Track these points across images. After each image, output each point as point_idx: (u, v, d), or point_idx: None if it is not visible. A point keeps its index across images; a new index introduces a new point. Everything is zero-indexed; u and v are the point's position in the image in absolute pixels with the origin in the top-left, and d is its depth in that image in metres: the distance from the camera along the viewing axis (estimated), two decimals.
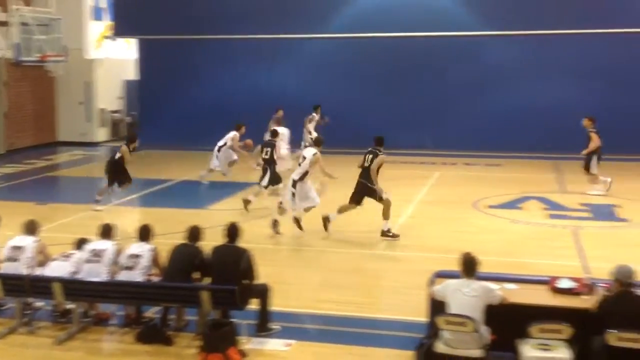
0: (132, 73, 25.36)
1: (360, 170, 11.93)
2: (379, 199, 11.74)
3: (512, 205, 14.49)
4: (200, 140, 19.78)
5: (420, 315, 7.46)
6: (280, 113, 18.23)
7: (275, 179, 14.06)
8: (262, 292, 7.74)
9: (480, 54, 21.42)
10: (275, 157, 14.19)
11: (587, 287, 6.95)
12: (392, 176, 17.39)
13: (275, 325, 7.84)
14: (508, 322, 6.56)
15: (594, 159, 15.06)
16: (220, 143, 16.60)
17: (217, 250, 7.77)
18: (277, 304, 7.93)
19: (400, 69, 21.75)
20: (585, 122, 15.25)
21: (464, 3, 21.08)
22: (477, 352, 6.39)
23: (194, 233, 7.99)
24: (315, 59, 22.70)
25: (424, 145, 20.74)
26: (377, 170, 11.75)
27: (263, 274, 7.89)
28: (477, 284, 6.61)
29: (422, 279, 7.65)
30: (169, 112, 23.71)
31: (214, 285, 7.55)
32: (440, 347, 6.51)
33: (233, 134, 16.52)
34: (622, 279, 6.30)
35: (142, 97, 24.53)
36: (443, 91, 21.48)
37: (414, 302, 7.99)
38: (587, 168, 15.17)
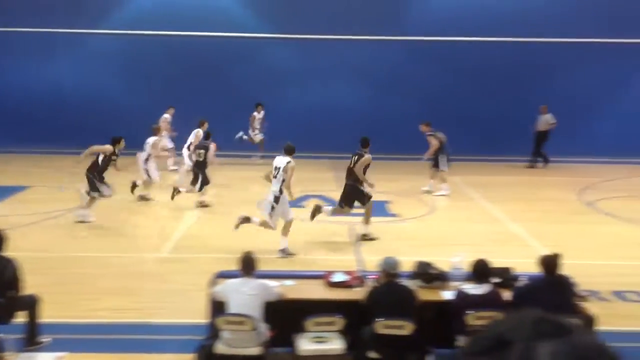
0: None
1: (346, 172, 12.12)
2: (364, 203, 11.89)
3: (294, 203, 14.90)
4: None
5: (202, 317, 7.41)
6: (172, 111, 17.93)
7: (207, 181, 14.27)
8: (30, 304, 7.23)
9: (261, 55, 21.78)
10: (207, 160, 14.24)
11: (358, 280, 7.36)
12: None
13: (45, 338, 7.36)
14: (287, 318, 6.74)
15: (442, 159, 15.77)
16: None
17: None
18: (49, 315, 7.45)
19: (184, 68, 21.48)
20: (423, 128, 15.98)
21: (247, 4, 21.36)
22: (255, 350, 6.49)
23: None
24: (95, 55, 21.72)
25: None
26: (365, 171, 11.83)
27: (33, 284, 7.37)
28: (255, 282, 6.71)
29: (205, 280, 7.62)
30: None
31: None
32: (219, 348, 6.52)
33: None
34: (388, 270, 6.74)
35: None
36: (226, 91, 21.49)
37: (197, 304, 7.93)
38: (436, 166, 15.88)
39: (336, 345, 6.54)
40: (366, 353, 6.58)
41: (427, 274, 7.51)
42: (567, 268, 7.75)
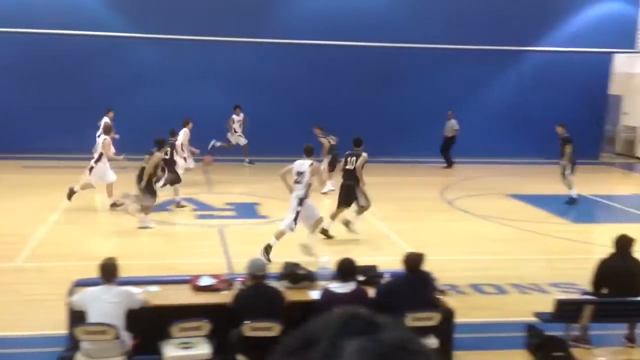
0: None
1: (342, 173, 12.35)
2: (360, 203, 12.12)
3: (161, 207, 14.59)
4: None
5: (61, 328, 7.06)
6: (111, 114, 16.90)
7: (176, 179, 14.37)
8: None
9: (125, 55, 21.11)
10: (175, 157, 14.46)
11: (225, 283, 7.29)
12: (36, 182, 16.48)
13: None
14: (152, 325, 6.56)
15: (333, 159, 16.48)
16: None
17: None
18: None
19: (40, 67, 20.41)
20: (316, 131, 16.74)
21: (111, 4, 20.65)
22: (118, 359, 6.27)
23: None
24: None
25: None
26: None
27: None
28: (117, 289, 6.48)
29: (64, 289, 7.26)
30: None
31: None
32: (80, 359, 6.24)
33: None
34: (255, 271, 6.72)
35: None
36: (84, 92, 20.53)
37: (55, 315, 7.54)
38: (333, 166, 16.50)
39: (202, 350, 6.45)
40: (234, 356, 6.53)
41: (295, 275, 7.57)
42: (429, 264, 8.07)
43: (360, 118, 20.06)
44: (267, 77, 21.27)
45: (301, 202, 10.74)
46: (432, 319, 6.95)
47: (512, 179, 19.05)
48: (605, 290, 7.96)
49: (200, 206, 14.91)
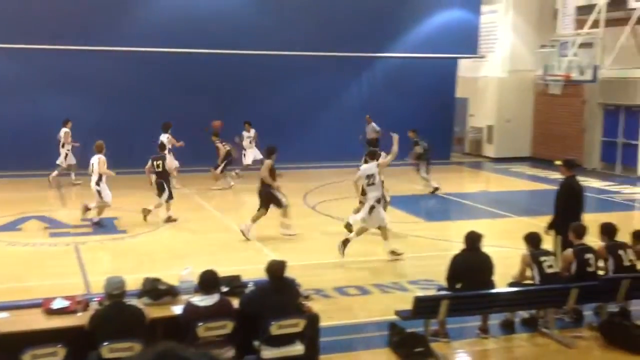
0: None
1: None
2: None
3: (10, 227, 13.73)
4: None
5: None
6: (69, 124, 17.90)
7: (171, 194, 14.35)
8: None
9: None
10: (167, 169, 14.32)
11: (81, 304, 6.93)
12: None
13: None
14: (3, 355, 6.13)
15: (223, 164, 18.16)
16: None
17: None
18: None
19: None
20: (213, 138, 18.27)
21: None
22: None
23: None
24: None
25: None
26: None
27: None
28: None
29: None
30: None
31: None
32: None
33: None
34: (110, 290, 6.45)
35: None
36: None
37: None
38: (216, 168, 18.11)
39: None
40: None
41: (156, 290, 7.33)
42: (294, 269, 8.11)
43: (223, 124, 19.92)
44: (120, 85, 20.64)
45: (378, 200, 11.66)
46: (297, 325, 6.99)
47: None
48: (459, 285, 8.35)
49: (54, 223, 14.16)
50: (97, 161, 13.74)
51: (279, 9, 21.88)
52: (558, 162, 10.87)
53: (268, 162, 13.10)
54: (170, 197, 14.35)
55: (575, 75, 21.59)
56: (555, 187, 11.09)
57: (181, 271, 7.93)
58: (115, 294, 6.42)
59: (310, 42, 21.75)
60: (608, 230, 9.04)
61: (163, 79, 21.16)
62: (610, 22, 21.21)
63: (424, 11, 23.81)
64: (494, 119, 25.64)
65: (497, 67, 25.51)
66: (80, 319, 6.67)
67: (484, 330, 8.46)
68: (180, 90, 21.23)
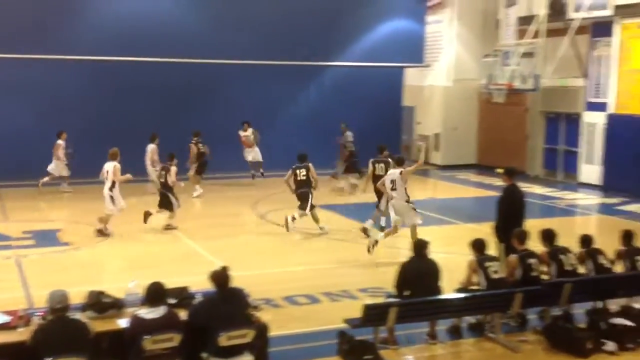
0: None
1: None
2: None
3: None
4: None
5: None
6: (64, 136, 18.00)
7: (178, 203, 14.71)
8: None
9: None
10: (169, 181, 14.48)
11: (22, 319, 6.73)
12: None
13: None
14: None
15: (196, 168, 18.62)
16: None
17: None
18: None
19: None
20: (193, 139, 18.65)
21: None
22: None
23: None
24: None
25: None
26: None
27: None
28: None
29: None
30: None
31: None
32: None
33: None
34: (53, 304, 6.29)
35: None
36: None
37: None
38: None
39: None
40: None
41: (101, 303, 7.18)
42: (243, 279, 8.04)
43: (166, 134, 19.69)
44: (61, 93, 20.28)
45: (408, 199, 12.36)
46: (246, 335, 6.93)
47: (321, 190, 19.58)
48: (407, 292, 8.42)
49: None
50: (112, 168, 13.63)
51: (228, 18, 21.82)
52: (499, 171, 11.13)
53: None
54: (178, 206, 14.64)
55: (517, 84, 22.11)
56: (499, 194, 11.31)
57: (127, 284, 7.80)
58: (58, 307, 6.26)
59: (260, 51, 21.76)
60: (548, 236, 9.27)
61: (108, 88, 20.82)
62: (550, 33, 21.80)
63: (371, 21, 24.07)
64: (440, 127, 26.03)
65: (443, 76, 25.96)
66: (21, 335, 6.47)
67: (432, 336, 8.55)
68: (126, 99, 20.93)
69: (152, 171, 17.74)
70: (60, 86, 20.35)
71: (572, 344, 8.17)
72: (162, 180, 14.69)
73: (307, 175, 14.33)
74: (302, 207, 14.21)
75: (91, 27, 20.31)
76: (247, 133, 20.34)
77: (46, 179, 18.12)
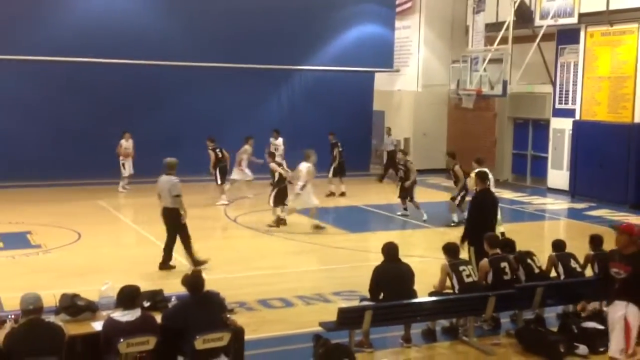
0: None
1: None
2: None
3: None
4: None
5: None
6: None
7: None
8: None
9: None
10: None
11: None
12: None
13: None
14: None
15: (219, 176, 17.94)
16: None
17: None
18: None
19: None
20: (208, 142, 18.09)
21: None
22: None
23: None
24: None
25: None
26: None
27: None
28: None
29: None
30: None
31: None
32: None
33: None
34: (25, 307, 6.19)
35: None
36: None
37: None
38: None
39: None
40: None
41: (74, 306, 7.08)
42: (216, 282, 8.01)
43: (134, 136, 19.54)
44: (18, 96, 19.98)
45: None
46: (222, 339, 6.89)
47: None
48: (381, 295, 8.46)
49: None
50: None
51: (195, 20, 21.70)
52: (471, 175, 11.24)
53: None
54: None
55: (486, 90, 22.34)
56: (468, 198, 11.42)
57: (100, 286, 7.71)
58: (30, 309, 6.16)
59: (228, 54, 21.67)
60: (508, 246, 9.43)
61: (66, 90, 20.53)
62: (518, 39, 22.09)
63: (341, 25, 24.16)
64: (410, 131, 26.19)
65: (412, 81, 26.14)
66: None
67: (407, 339, 8.59)
68: (86, 102, 20.66)
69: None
70: (11, 88, 20.03)
71: (544, 348, 8.27)
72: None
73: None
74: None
75: (44, 27, 19.97)
76: (278, 142, 20.60)
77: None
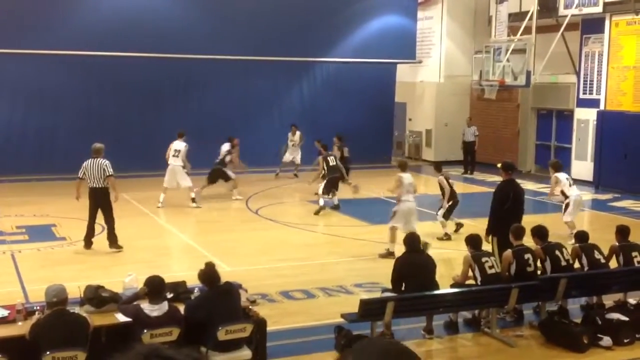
0: None
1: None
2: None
3: None
4: None
5: None
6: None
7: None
8: None
9: None
10: None
11: (21, 313, 6.73)
12: None
13: None
14: None
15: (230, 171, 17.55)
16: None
17: None
18: None
19: None
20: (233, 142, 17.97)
21: None
22: None
23: None
24: None
25: None
26: None
27: None
28: None
29: None
30: None
31: None
32: None
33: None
34: (50, 299, 6.29)
35: None
36: None
37: None
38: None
39: None
40: None
41: (98, 298, 7.18)
42: (239, 274, 8.06)
43: (155, 131, 19.64)
44: (47, 89, 20.15)
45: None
46: (245, 330, 6.95)
47: (316, 186, 19.66)
48: (403, 287, 8.45)
49: None
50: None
51: (218, 13, 21.73)
52: (499, 165, 11.17)
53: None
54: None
55: (509, 81, 22.16)
56: (491, 190, 11.35)
57: (124, 278, 7.80)
58: (55, 301, 6.26)
59: (251, 46, 21.67)
60: (541, 233, 9.32)
61: (95, 83, 20.70)
62: (541, 29, 21.86)
63: (363, 16, 24.03)
64: (432, 123, 26.06)
65: (434, 72, 25.97)
66: (21, 328, 6.48)
67: (429, 331, 8.58)
68: (113, 95, 20.83)
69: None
70: (41, 82, 20.20)
71: (568, 339, 8.23)
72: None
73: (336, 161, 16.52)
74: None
75: (71, 22, 20.11)
76: (296, 137, 20.81)
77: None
